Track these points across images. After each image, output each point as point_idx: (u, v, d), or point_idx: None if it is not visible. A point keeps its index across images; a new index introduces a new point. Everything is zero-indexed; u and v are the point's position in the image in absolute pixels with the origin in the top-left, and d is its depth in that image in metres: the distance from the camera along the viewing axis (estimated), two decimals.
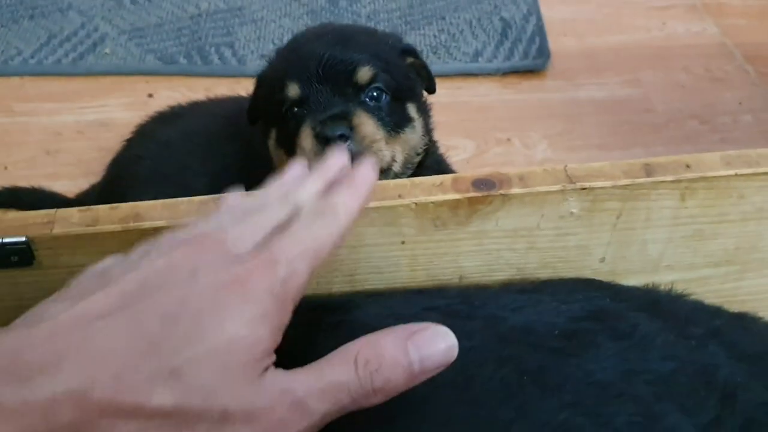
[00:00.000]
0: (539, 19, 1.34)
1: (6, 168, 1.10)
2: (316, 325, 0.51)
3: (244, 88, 1.22)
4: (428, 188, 0.59)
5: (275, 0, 1.39)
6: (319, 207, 0.43)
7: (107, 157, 1.12)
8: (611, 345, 0.49)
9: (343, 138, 0.71)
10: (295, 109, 0.74)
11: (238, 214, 0.43)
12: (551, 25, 1.35)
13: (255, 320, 0.36)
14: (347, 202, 0.43)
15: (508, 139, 1.15)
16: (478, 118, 1.18)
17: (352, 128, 0.72)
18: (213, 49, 1.27)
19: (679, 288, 0.65)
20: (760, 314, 0.72)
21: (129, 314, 0.36)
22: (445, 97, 1.22)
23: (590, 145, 1.14)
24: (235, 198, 0.48)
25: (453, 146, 1.13)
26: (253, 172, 0.72)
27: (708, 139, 1.15)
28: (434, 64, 1.24)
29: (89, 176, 1.09)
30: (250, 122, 0.82)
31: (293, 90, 0.74)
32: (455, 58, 1.25)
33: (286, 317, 0.39)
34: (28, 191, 1.02)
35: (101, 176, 1.00)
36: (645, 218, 0.61)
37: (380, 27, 1.33)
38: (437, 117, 1.17)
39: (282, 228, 0.41)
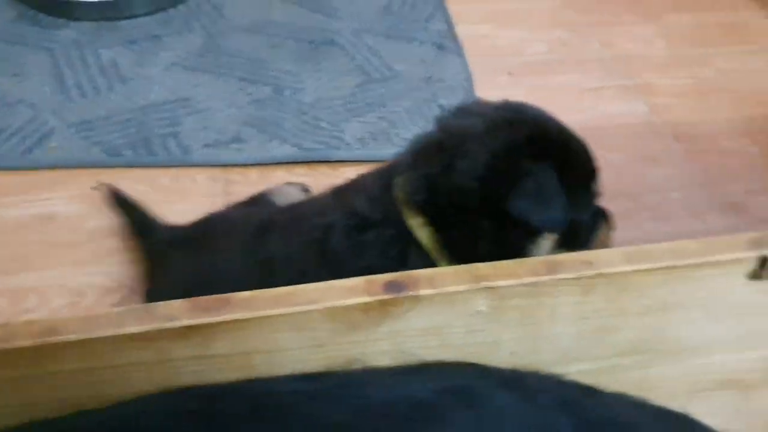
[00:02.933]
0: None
1: None
2: None
3: (189, 177, 1.26)
4: (341, 291, 0.61)
5: (221, 90, 1.43)
6: None
7: (51, 251, 1.14)
8: (463, 418, 0.50)
9: None
10: None
11: None
12: None
13: None
14: None
15: None
16: None
17: None
18: (158, 140, 1.30)
19: (589, 378, 0.68)
20: (670, 399, 0.75)
21: None
22: None
23: None
24: None
25: None
26: None
27: (639, 217, 1.20)
28: (373, 149, 1.29)
29: (29, 270, 1.10)
30: None
31: None
32: (395, 145, 1.29)
33: None
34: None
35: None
36: (550, 313, 0.64)
37: (323, 114, 1.37)
38: None
39: None
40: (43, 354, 0.57)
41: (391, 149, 1.28)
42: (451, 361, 0.63)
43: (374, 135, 1.32)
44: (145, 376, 0.60)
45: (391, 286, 0.61)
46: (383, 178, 0.78)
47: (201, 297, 0.60)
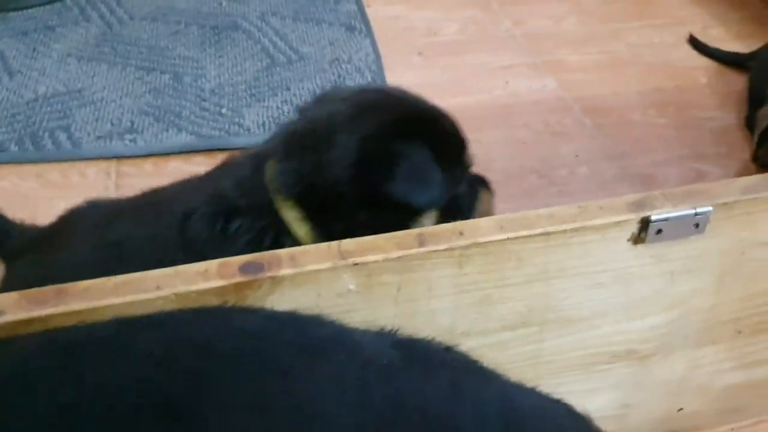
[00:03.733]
0: (384, 85, 1.36)
1: None
2: None
3: (78, 171, 1.19)
4: (191, 276, 0.56)
5: (117, 80, 1.36)
6: None
7: None
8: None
9: None
10: None
11: None
12: None
13: None
14: None
15: None
16: None
17: None
18: (47, 134, 1.22)
19: (480, 354, 0.64)
20: (568, 373, 0.72)
21: None
22: None
23: None
24: None
25: None
26: None
27: (546, 193, 1.18)
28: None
29: None
30: None
31: None
32: None
33: None
34: None
35: None
36: (426, 288, 0.60)
37: (224, 101, 1.31)
38: None
39: None
40: None
41: None
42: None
43: (277, 119, 1.26)
44: None
45: (247, 268, 0.56)
46: (254, 163, 0.73)
47: (35, 289, 0.54)
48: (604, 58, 1.54)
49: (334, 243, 0.58)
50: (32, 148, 1.20)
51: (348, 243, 0.58)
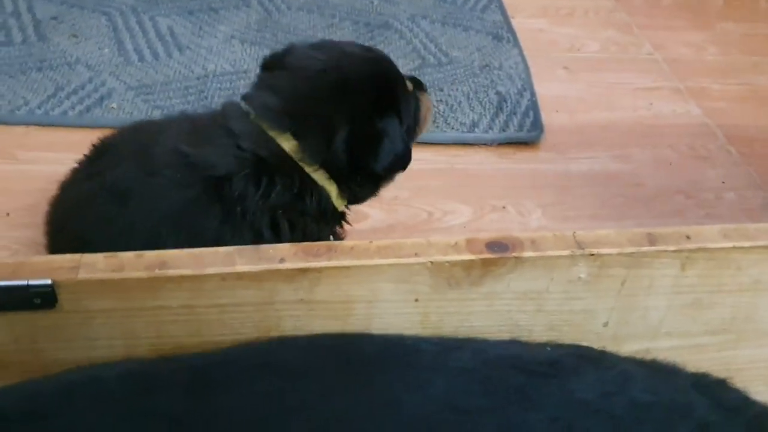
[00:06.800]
0: (533, 94, 1.40)
1: (8, 215, 1.11)
2: None
3: None
4: (443, 248, 0.61)
5: None
6: None
7: None
8: (592, 372, 0.51)
9: None
10: None
11: None
12: (543, 101, 1.40)
13: None
14: None
15: (504, 207, 1.18)
16: (474, 185, 1.22)
17: None
18: None
19: (676, 355, 0.68)
20: (756, 383, 0.75)
21: None
22: (443, 164, 1.26)
23: (583, 216, 1.18)
24: None
25: (450, 211, 1.17)
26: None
27: (694, 214, 1.20)
28: (433, 133, 1.29)
29: None
30: None
31: None
32: (453, 128, 1.30)
33: None
34: None
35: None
36: (648, 285, 0.64)
37: None
38: (435, 182, 1.21)
39: None
40: (151, 287, 0.58)
41: (451, 133, 1.29)
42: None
43: (433, 117, 1.32)
44: (246, 318, 0.60)
45: (494, 246, 0.61)
46: (255, 125, 0.77)
47: (308, 243, 0.60)
48: (746, 90, 1.55)
49: (569, 233, 0.63)
50: None
51: (583, 234, 0.63)
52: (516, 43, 1.56)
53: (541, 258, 0.61)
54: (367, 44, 1.52)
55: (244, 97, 0.81)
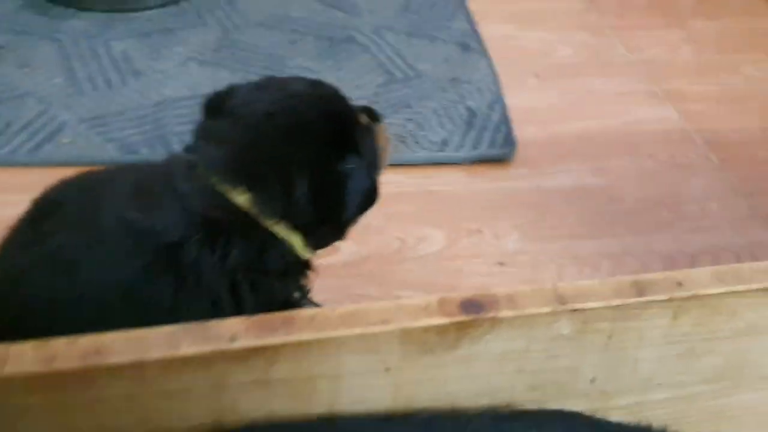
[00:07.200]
0: (504, 108, 1.35)
1: None
2: None
3: None
4: (414, 312, 0.55)
5: None
6: None
7: None
8: None
9: None
10: None
11: None
12: (515, 113, 1.35)
13: None
14: None
15: (479, 230, 1.13)
16: (447, 209, 1.17)
17: None
18: (175, 138, 1.24)
19: (670, 405, 0.63)
20: (750, 427, 0.70)
21: None
22: (413, 187, 1.21)
23: (561, 235, 1.13)
24: None
25: (423, 237, 1.12)
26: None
27: (679, 229, 1.15)
28: (403, 153, 1.23)
29: None
30: None
31: None
32: (423, 147, 1.24)
33: None
34: None
35: None
36: (637, 337, 0.59)
37: None
38: (406, 207, 1.15)
39: None
40: (86, 378, 0.51)
41: (421, 153, 1.23)
42: (552, 409, 0.58)
43: (401, 138, 1.26)
44: (197, 404, 0.54)
45: (468, 306, 0.56)
46: (202, 181, 0.69)
47: (262, 315, 0.54)
48: (722, 90, 1.51)
49: (550, 287, 0.58)
50: (162, 152, 1.22)
51: (565, 287, 0.57)
52: (484, 52, 1.51)
53: (520, 317, 0.56)
54: (330, 61, 1.47)
55: (188, 149, 0.75)
